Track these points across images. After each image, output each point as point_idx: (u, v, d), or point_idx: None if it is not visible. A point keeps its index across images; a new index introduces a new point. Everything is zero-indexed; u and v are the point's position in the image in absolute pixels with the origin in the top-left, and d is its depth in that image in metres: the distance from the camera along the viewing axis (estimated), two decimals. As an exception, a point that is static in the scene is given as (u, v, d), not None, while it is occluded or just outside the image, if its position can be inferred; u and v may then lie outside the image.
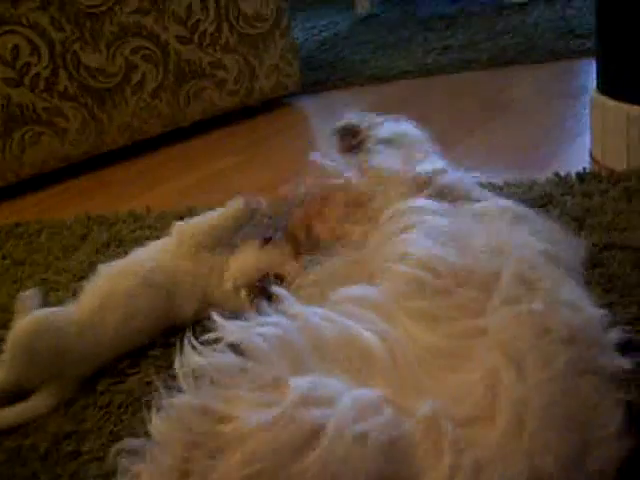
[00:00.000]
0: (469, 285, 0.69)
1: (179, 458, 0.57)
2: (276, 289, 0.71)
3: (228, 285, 1.03)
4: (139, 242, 1.17)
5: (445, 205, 0.87)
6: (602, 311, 0.66)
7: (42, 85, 1.79)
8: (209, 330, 0.66)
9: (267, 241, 1.07)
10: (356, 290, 0.73)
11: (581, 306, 0.67)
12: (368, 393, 0.57)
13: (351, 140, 1.19)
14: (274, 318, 0.66)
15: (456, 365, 0.62)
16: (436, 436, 0.54)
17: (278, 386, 0.57)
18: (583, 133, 1.52)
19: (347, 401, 0.55)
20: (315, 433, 0.53)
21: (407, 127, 1.15)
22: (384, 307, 0.69)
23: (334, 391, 0.57)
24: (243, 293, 1.02)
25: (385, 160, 1.04)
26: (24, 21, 1.74)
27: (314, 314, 0.66)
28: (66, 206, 1.70)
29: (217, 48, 1.98)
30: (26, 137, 1.81)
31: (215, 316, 0.66)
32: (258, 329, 0.64)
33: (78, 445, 0.87)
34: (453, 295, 0.68)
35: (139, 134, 1.95)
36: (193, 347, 0.63)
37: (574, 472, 0.54)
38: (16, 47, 1.74)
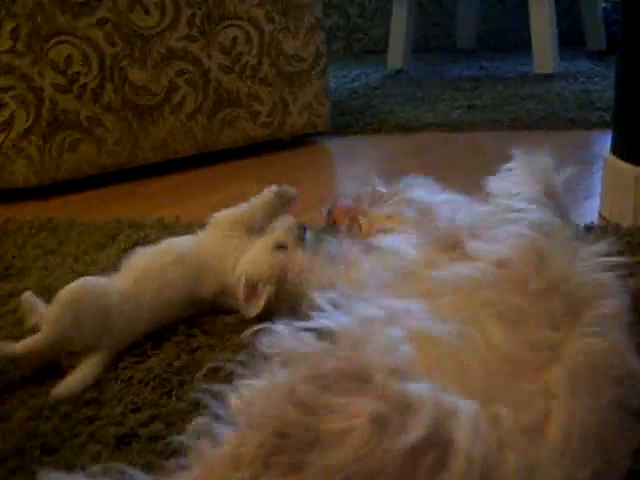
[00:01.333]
0: (559, 297, 0.69)
1: (265, 446, 0.54)
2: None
3: (238, 274, 1.10)
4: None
5: None
6: None
7: (88, 94, 1.89)
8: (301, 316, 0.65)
9: (282, 247, 1.13)
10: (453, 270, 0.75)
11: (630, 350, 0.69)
12: (474, 407, 0.58)
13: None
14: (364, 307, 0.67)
15: (520, 372, 0.63)
16: (500, 433, 0.56)
17: (399, 396, 0.55)
18: (593, 196, 1.60)
19: (466, 412, 0.56)
20: (441, 454, 0.53)
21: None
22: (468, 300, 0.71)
23: (454, 405, 0.56)
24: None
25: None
26: (80, 34, 1.85)
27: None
28: (94, 211, 1.77)
29: (255, 81, 2.09)
30: (66, 141, 1.90)
31: (316, 297, 0.66)
32: (350, 316, 0.64)
33: (97, 411, 0.93)
34: (546, 302, 0.69)
35: (172, 153, 2.04)
36: (286, 330, 0.62)
37: None
38: (69, 56, 1.85)
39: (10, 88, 1.84)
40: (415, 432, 0.53)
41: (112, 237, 1.51)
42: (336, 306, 0.68)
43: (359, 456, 0.52)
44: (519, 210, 0.89)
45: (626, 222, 1.35)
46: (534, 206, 0.90)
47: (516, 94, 2.52)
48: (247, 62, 2.06)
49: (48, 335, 0.98)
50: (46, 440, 0.87)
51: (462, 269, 0.75)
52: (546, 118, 2.20)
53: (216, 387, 0.64)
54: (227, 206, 1.67)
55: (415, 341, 0.62)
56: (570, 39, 3.22)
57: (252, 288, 1.09)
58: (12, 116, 1.85)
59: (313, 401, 0.55)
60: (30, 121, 1.86)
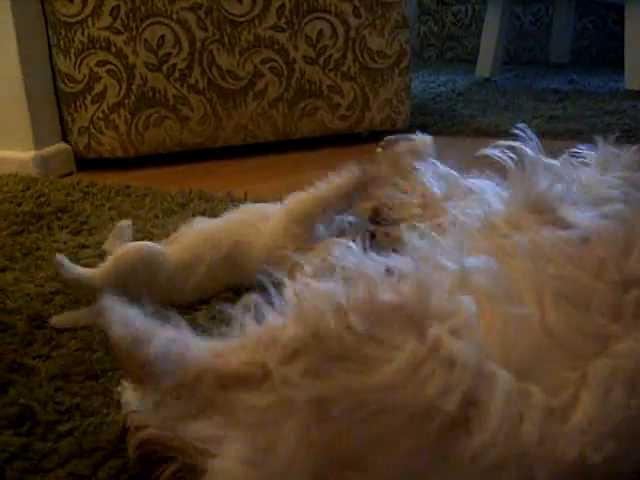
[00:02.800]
0: (634, 293, 0.66)
1: (298, 340, 0.57)
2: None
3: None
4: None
5: None
6: None
7: (177, 74, 1.99)
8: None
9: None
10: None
11: None
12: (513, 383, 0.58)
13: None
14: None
15: (565, 357, 0.63)
16: (525, 408, 0.58)
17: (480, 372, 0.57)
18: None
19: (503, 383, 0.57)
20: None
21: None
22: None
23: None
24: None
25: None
26: (174, 16, 1.95)
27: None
28: (170, 184, 1.85)
29: (338, 74, 2.14)
30: (152, 117, 2.00)
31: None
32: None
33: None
34: (618, 294, 0.66)
35: (251, 137, 2.12)
36: (360, 250, 0.63)
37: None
38: (162, 37, 1.95)
39: (106, 63, 1.96)
40: (449, 387, 0.54)
41: (182, 206, 1.59)
42: (413, 250, 0.69)
43: (382, 388, 0.54)
44: (622, 190, 0.84)
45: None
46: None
47: (602, 108, 2.48)
48: (331, 55, 2.12)
49: (97, 282, 1.06)
50: (90, 367, 0.94)
51: (542, 236, 0.73)
52: (629, 132, 2.16)
53: (279, 275, 0.65)
54: (294, 191, 1.72)
55: (476, 301, 0.62)
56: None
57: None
58: (105, 89, 1.97)
59: (360, 326, 0.56)
60: (121, 96, 1.98)
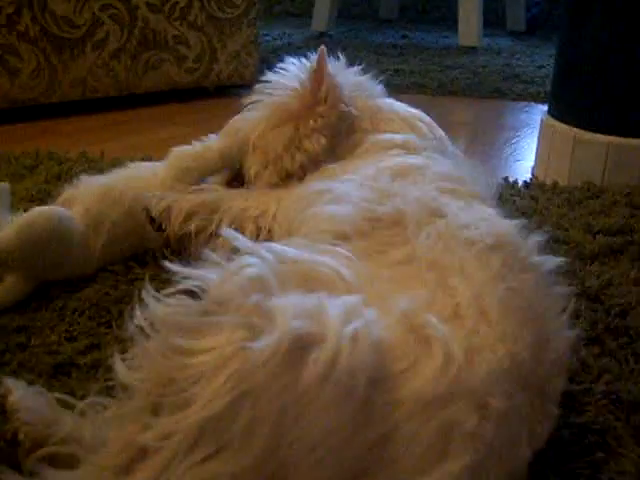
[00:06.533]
0: (380, 226, 0.73)
1: (150, 394, 0.54)
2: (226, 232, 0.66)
3: None
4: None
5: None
6: (519, 220, 0.71)
7: (2, 20, 1.75)
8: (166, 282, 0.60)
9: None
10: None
11: (496, 219, 0.72)
12: (349, 298, 0.56)
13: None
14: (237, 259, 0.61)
15: (402, 288, 0.62)
16: (420, 329, 0.55)
17: (259, 308, 0.54)
18: (524, 158, 1.63)
19: (335, 306, 0.54)
20: (311, 342, 0.51)
21: None
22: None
23: (319, 301, 0.55)
24: None
25: None
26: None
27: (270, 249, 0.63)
28: (10, 146, 1.65)
29: (184, 23, 2.00)
30: (-24, 70, 1.76)
31: (170, 265, 0.59)
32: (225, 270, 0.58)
33: (29, 339, 0.86)
34: (371, 236, 0.72)
35: (91, 91, 1.93)
36: (155, 298, 0.58)
37: (539, 360, 0.58)
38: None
39: None
40: (276, 336, 0.51)
41: (30, 169, 1.40)
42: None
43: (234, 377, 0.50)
44: None
45: (562, 181, 1.37)
46: None
47: (441, 63, 2.53)
48: (177, 3, 1.97)
49: (2, 245, 0.91)
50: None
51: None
52: (472, 87, 2.22)
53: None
54: (149, 149, 1.59)
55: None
56: (491, 19, 3.27)
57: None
58: None
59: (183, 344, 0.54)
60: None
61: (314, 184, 0.91)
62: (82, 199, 1.02)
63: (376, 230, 0.73)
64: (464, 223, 0.68)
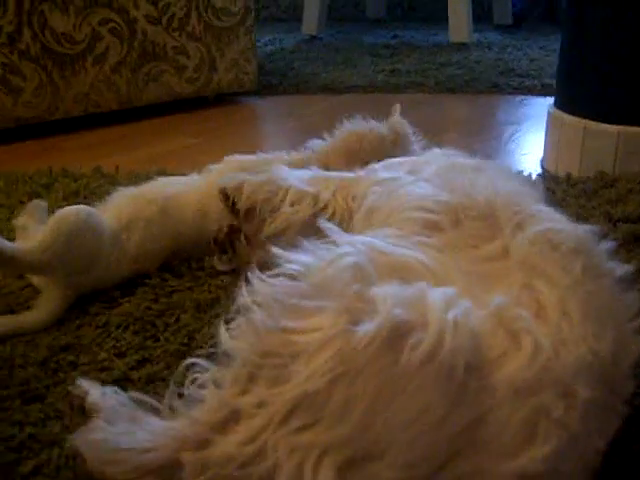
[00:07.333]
0: (470, 217, 0.74)
1: (249, 363, 0.57)
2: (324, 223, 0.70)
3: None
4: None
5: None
6: (591, 226, 0.73)
7: (3, 39, 1.75)
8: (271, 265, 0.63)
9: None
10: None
11: (570, 223, 0.74)
12: (447, 290, 0.59)
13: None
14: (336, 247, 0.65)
15: (491, 284, 0.65)
16: (511, 323, 0.58)
17: (361, 296, 0.57)
18: (532, 151, 1.65)
19: (434, 295, 0.57)
20: (411, 329, 0.53)
21: None
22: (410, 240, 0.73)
23: (419, 291, 0.58)
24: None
25: None
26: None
27: (364, 242, 0.67)
28: (13, 166, 1.65)
29: (183, 34, 2.01)
30: (-20, 90, 1.76)
31: (276, 249, 0.63)
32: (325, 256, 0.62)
33: (77, 357, 0.87)
34: (461, 228, 0.74)
35: (93, 106, 1.93)
36: (259, 278, 0.61)
37: (617, 361, 0.59)
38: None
39: None
40: (377, 322, 0.54)
41: (46, 187, 1.41)
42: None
43: (335, 358, 0.53)
44: None
45: (573, 173, 1.39)
46: None
47: (435, 60, 2.55)
48: (174, 14, 1.98)
49: (37, 255, 0.92)
50: (27, 388, 0.80)
51: None
52: (469, 82, 2.24)
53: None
54: (161, 161, 1.59)
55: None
56: (478, 13, 3.30)
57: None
58: None
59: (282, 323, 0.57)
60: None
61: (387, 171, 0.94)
62: (114, 204, 1.04)
63: (467, 221, 0.74)
64: (548, 226, 0.70)
